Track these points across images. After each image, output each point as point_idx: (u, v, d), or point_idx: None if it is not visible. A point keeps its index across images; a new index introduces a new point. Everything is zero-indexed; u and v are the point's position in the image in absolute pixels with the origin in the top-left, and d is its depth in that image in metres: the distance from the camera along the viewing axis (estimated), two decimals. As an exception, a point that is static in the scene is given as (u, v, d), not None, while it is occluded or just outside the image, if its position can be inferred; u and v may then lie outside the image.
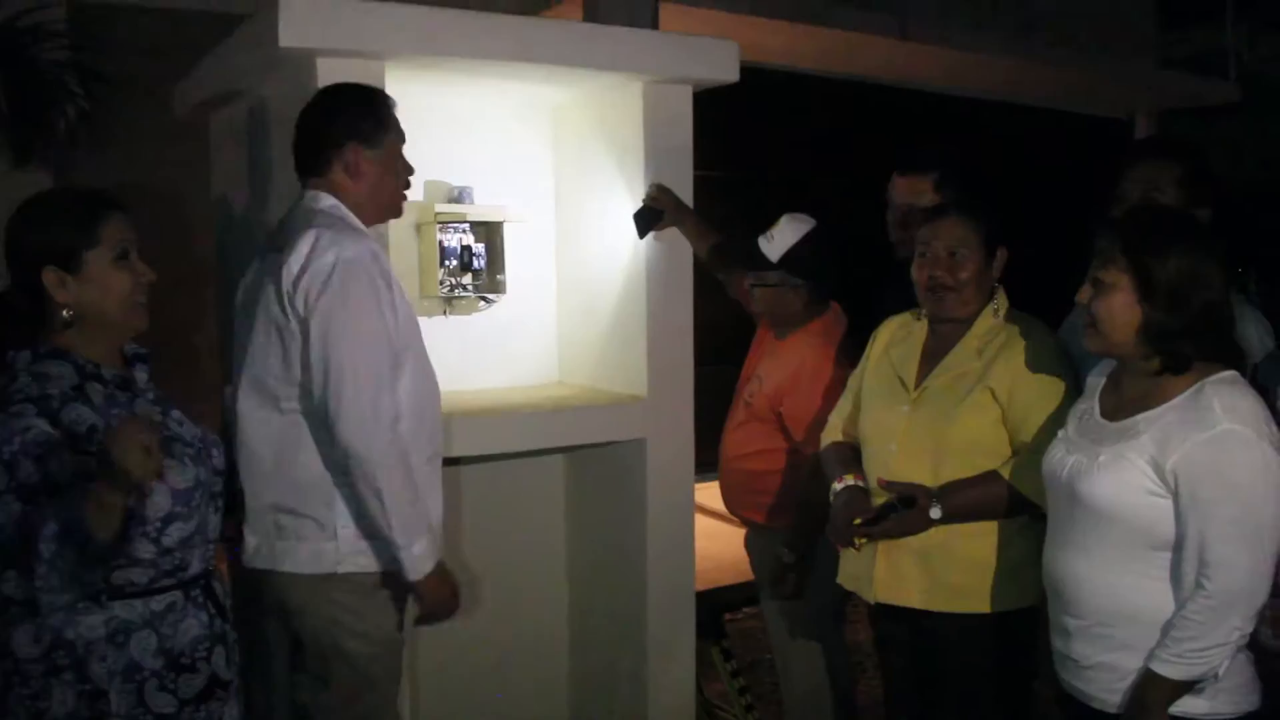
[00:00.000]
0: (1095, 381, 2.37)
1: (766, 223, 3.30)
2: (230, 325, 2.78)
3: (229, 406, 2.66)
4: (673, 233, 3.47)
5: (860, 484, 2.76)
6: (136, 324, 2.21)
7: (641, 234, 3.40)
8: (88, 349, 2.16)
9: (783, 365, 3.27)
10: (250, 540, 2.60)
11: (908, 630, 2.74)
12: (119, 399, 2.17)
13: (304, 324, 2.45)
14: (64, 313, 2.13)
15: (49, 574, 1.88)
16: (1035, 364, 2.60)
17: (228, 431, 2.63)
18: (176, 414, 2.31)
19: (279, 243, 2.56)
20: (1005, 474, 2.57)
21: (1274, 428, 2.10)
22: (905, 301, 2.87)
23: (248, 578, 2.68)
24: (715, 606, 3.93)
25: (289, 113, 3.04)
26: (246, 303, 2.66)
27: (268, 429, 2.56)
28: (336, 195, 2.64)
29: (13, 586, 1.94)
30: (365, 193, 2.66)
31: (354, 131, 2.63)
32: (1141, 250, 2.13)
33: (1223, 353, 2.16)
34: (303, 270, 2.44)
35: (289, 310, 2.47)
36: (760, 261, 3.25)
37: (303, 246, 2.46)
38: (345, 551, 2.55)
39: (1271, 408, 2.18)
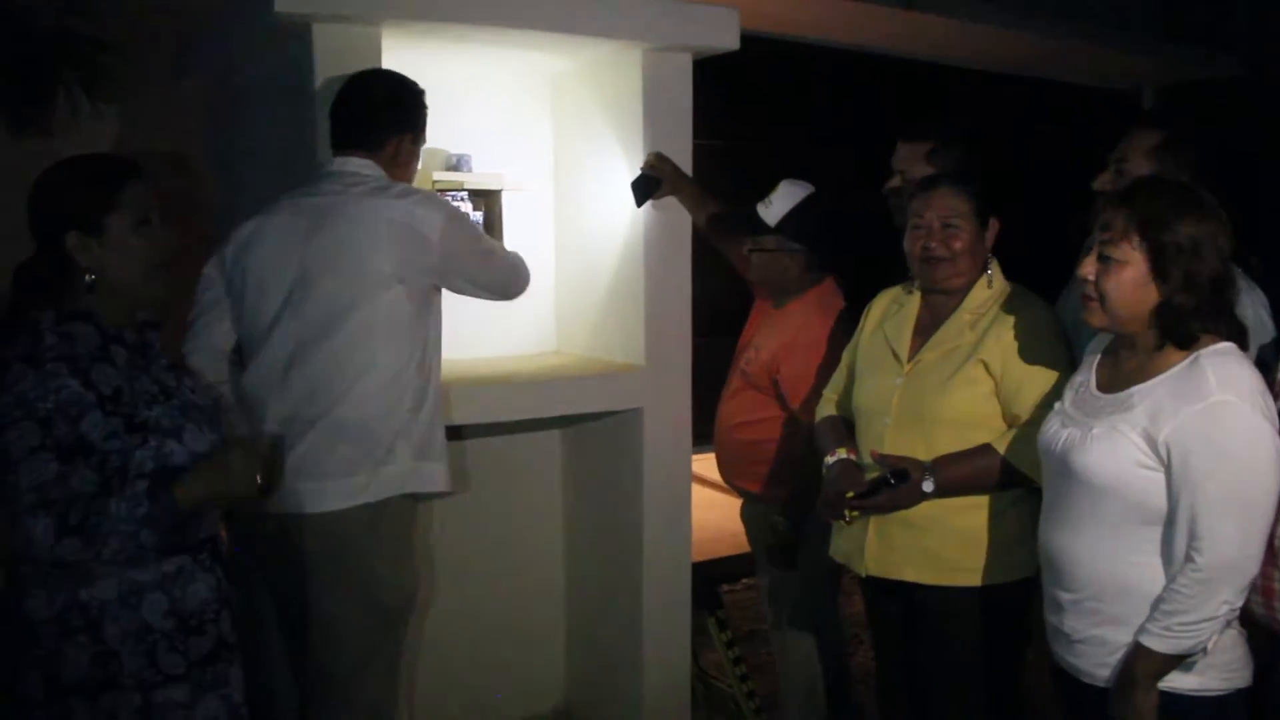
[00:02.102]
0: (1092, 354, 2.36)
1: (765, 191, 3.29)
2: (239, 283, 2.78)
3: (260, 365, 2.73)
4: (671, 202, 3.45)
5: (852, 457, 2.76)
6: (155, 291, 2.25)
7: (639, 202, 3.39)
8: (109, 313, 2.19)
9: (780, 333, 3.26)
10: (298, 486, 2.66)
11: (899, 603, 2.74)
12: (138, 363, 2.20)
13: (446, 261, 2.77)
14: (87, 277, 2.16)
15: (119, 550, 2.02)
16: (1029, 336, 2.59)
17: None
18: (189, 380, 2.36)
19: (342, 200, 2.70)
20: (999, 447, 2.56)
21: (1269, 400, 2.08)
22: (907, 273, 2.86)
23: (265, 533, 2.74)
24: (711, 577, 3.94)
25: (287, 78, 3.04)
26: (294, 257, 2.71)
27: (377, 364, 2.69)
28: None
29: (70, 551, 1.99)
30: (396, 178, 2.83)
31: (411, 123, 2.86)
32: (1157, 227, 2.09)
33: (1224, 327, 2.14)
34: (443, 224, 2.75)
35: (438, 252, 2.74)
36: (758, 226, 3.24)
37: (433, 211, 2.75)
38: (404, 471, 2.75)
39: (1270, 384, 2.17)
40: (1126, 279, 2.13)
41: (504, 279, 2.98)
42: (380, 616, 2.80)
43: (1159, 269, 2.10)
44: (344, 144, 2.81)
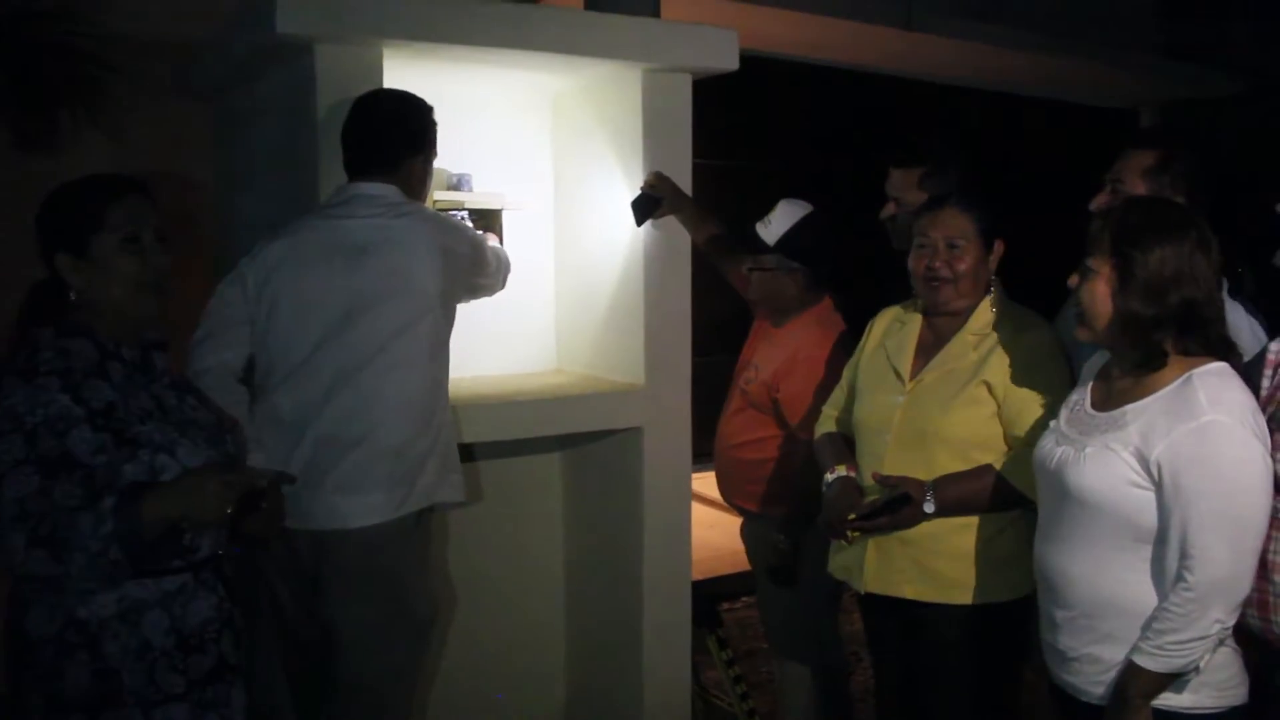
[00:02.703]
0: (1088, 372, 2.37)
1: (764, 211, 3.30)
2: (269, 304, 2.78)
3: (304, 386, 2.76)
4: (671, 221, 3.47)
5: (852, 475, 2.76)
6: (141, 311, 2.23)
7: (639, 222, 3.40)
8: (107, 330, 2.19)
9: (780, 351, 3.27)
10: (338, 501, 2.72)
11: (898, 621, 2.74)
12: (137, 380, 2.20)
13: (470, 278, 2.99)
14: (71, 295, 2.17)
15: (87, 566, 1.97)
16: (1032, 359, 2.59)
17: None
18: (191, 400, 2.35)
19: (383, 225, 2.75)
20: (999, 468, 2.57)
21: (1260, 419, 2.09)
22: (910, 292, 2.87)
23: (296, 549, 2.79)
24: (712, 595, 3.94)
25: (291, 99, 3.05)
26: (340, 281, 2.73)
27: (417, 385, 2.78)
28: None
29: (39, 564, 1.97)
30: (412, 198, 2.88)
31: (424, 143, 2.89)
32: (1127, 241, 2.13)
33: (1212, 347, 2.15)
34: (469, 241, 2.97)
35: (467, 269, 2.94)
36: (757, 245, 3.25)
37: (456, 230, 2.97)
38: (432, 484, 2.85)
39: (1255, 391, 2.18)
40: (1097, 290, 2.17)
41: (501, 280, 3.20)
42: (413, 626, 2.87)
43: (1122, 280, 2.13)
44: (360, 169, 2.82)
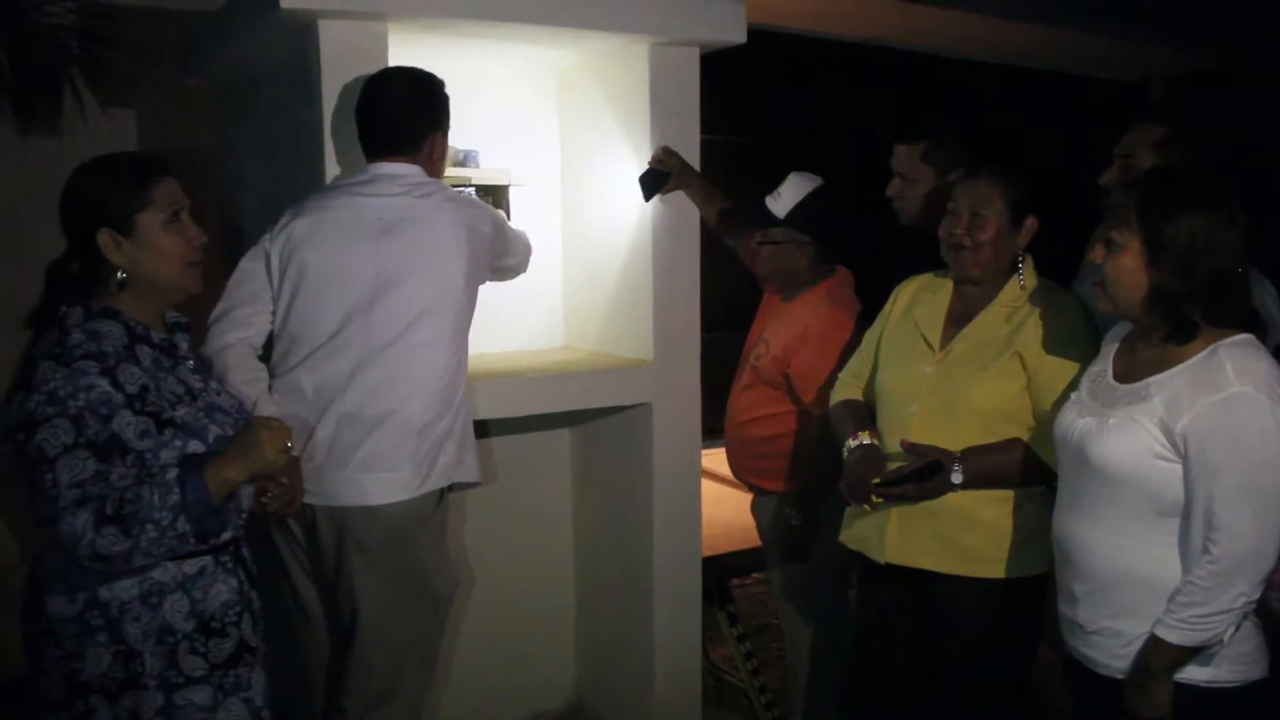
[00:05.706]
0: (1109, 344, 2.35)
1: (773, 185, 3.28)
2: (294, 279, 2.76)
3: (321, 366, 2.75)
4: (679, 196, 3.45)
5: (875, 442, 2.74)
6: (190, 286, 2.25)
7: (647, 197, 3.39)
8: (137, 311, 2.19)
9: (790, 327, 3.25)
10: (361, 478, 2.71)
11: (913, 594, 2.73)
12: (164, 363, 2.20)
13: (495, 260, 2.98)
14: (118, 274, 2.16)
15: (157, 539, 2.00)
16: (1065, 332, 2.56)
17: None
18: (214, 383, 2.36)
19: (408, 203, 2.75)
20: (1027, 441, 2.55)
21: None
22: (917, 268, 2.85)
23: (316, 527, 2.79)
24: (722, 571, 3.92)
25: (295, 75, 3.03)
26: (366, 258, 2.72)
27: (442, 364, 2.78)
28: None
29: (109, 543, 1.98)
30: (431, 175, 2.87)
31: (441, 119, 2.87)
32: (1155, 213, 2.10)
33: (1237, 319, 2.13)
34: (491, 221, 2.94)
35: (489, 249, 2.91)
36: (766, 219, 3.23)
37: (479, 209, 2.95)
38: (451, 463, 2.86)
39: None
40: (1124, 263, 2.15)
41: (525, 259, 3.20)
42: (433, 604, 2.88)
43: (1153, 254, 2.11)
44: (380, 150, 2.81)
